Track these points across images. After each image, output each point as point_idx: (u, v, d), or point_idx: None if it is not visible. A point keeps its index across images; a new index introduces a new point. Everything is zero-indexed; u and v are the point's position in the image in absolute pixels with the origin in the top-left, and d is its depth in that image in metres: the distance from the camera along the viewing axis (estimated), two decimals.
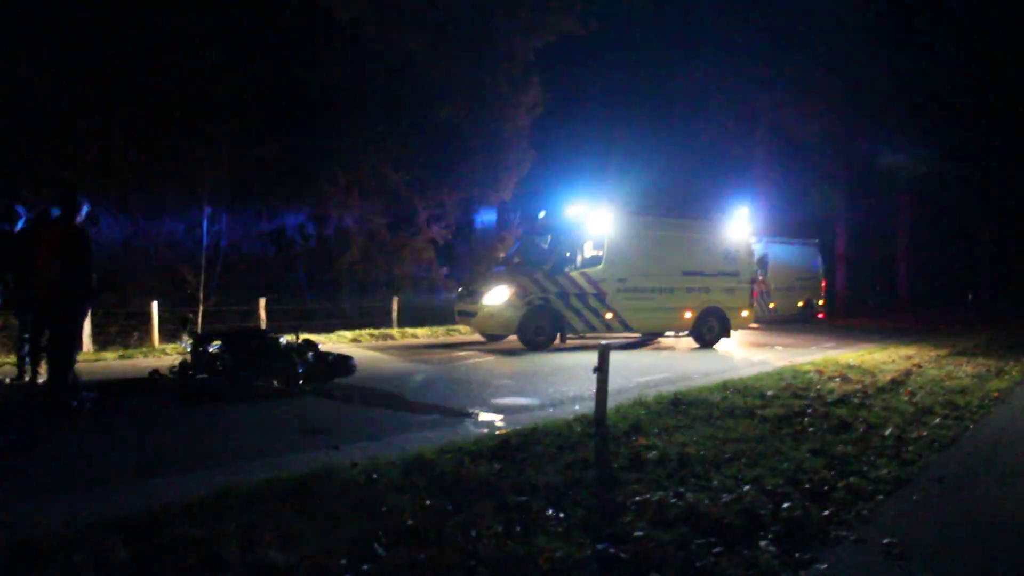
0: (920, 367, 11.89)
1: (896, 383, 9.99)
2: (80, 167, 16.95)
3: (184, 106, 18.39)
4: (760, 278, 23.29)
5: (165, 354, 12.67)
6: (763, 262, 24.45)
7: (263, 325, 15.70)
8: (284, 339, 9.51)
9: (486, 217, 25.09)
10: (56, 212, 8.16)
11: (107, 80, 17.30)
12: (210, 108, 18.68)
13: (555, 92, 24.78)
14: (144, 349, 13.43)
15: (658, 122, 33.36)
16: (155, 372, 9.06)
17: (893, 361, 12.71)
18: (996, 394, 9.58)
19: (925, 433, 6.99)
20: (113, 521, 4.02)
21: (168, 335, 14.87)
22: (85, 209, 8.10)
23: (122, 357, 12.45)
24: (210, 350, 9.02)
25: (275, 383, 8.93)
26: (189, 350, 9.20)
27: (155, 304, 14.36)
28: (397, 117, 22.82)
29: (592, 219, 15.21)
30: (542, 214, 17.08)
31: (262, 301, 16.58)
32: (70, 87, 16.89)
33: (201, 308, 17.40)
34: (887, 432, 6.90)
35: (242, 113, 19.19)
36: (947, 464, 6.08)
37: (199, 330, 15.10)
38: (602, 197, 16.07)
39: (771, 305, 25.00)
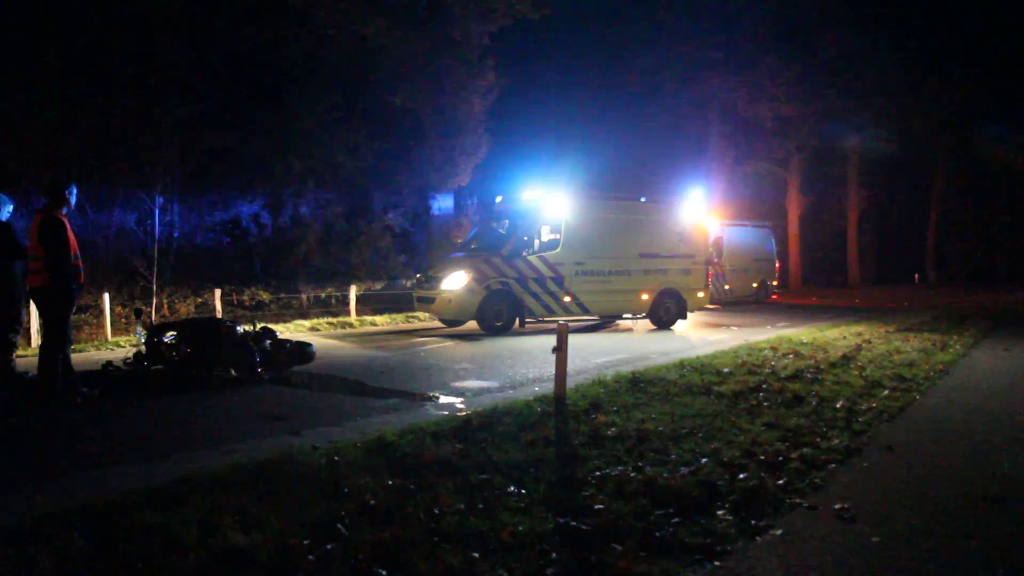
0: (870, 343, 12.19)
1: (847, 358, 10.22)
2: (23, 155, 16.48)
3: (133, 92, 17.95)
4: (715, 260, 23.61)
5: (119, 346, 12.43)
6: (718, 245, 24.78)
7: (219, 316, 15.49)
8: (241, 328, 9.41)
9: (443, 203, 25.02)
10: None
11: (49, 63, 16.79)
12: (160, 94, 18.28)
13: (510, 76, 24.76)
14: (96, 342, 13.17)
15: (612, 106, 33.58)
16: (109, 364, 8.92)
17: (844, 338, 12.99)
18: (941, 367, 9.88)
19: (875, 405, 7.19)
20: (70, 511, 3.96)
21: (121, 328, 14.62)
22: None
23: (73, 351, 12.18)
24: (165, 341, 8.91)
25: (233, 372, 8.82)
26: (144, 341, 9.07)
27: (107, 296, 14.10)
28: (352, 104, 22.61)
29: (549, 203, 15.27)
30: (499, 199, 17.09)
31: (217, 292, 16.39)
32: (7, 69, 16.37)
33: (155, 300, 17.12)
34: (838, 405, 7.09)
35: (193, 100, 18.83)
36: (895, 433, 6.27)
37: (153, 322, 14.87)
38: (558, 181, 16.15)
39: (726, 287, 25.38)
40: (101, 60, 17.48)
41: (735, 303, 25.32)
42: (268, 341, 9.34)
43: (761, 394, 7.50)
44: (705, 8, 34.25)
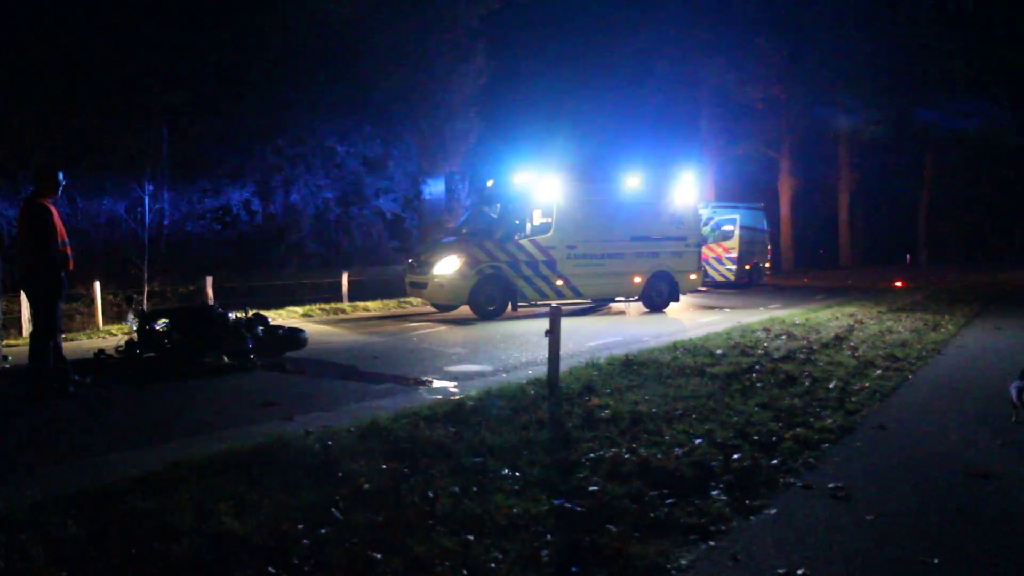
0: (862, 323, 12.23)
1: (839, 339, 10.26)
2: (10, 143, 16.33)
3: (121, 79, 17.78)
4: (711, 242, 23.63)
5: (111, 334, 12.38)
6: (715, 227, 24.77)
7: (211, 302, 15.43)
8: (233, 314, 9.38)
9: (434, 188, 24.89)
10: None
11: (37, 52, 16.61)
12: (149, 81, 18.11)
13: (501, 60, 24.59)
14: (88, 331, 13.10)
15: (604, 88, 33.39)
16: (101, 352, 8.89)
17: (836, 318, 13.03)
18: (933, 347, 9.92)
19: (867, 384, 7.21)
20: (64, 498, 3.95)
21: (112, 316, 14.53)
22: None
23: (65, 339, 12.12)
24: (157, 328, 8.86)
25: (225, 358, 8.81)
26: (135, 329, 9.03)
27: (97, 285, 14.02)
28: (342, 89, 22.44)
29: (540, 186, 15.21)
30: (490, 183, 17.03)
31: (209, 279, 16.29)
32: None
33: (146, 288, 17.02)
34: (831, 385, 7.11)
35: (182, 86, 18.66)
36: (888, 412, 6.30)
37: (145, 309, 14.79)
38: (550, 164, 16.07)
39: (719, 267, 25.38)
40: (89, 48, 17.29)
41: (727, 285, 25.34)
42: (260, 327, 9.31)
43: (754, 375, 7.52)
44: None
